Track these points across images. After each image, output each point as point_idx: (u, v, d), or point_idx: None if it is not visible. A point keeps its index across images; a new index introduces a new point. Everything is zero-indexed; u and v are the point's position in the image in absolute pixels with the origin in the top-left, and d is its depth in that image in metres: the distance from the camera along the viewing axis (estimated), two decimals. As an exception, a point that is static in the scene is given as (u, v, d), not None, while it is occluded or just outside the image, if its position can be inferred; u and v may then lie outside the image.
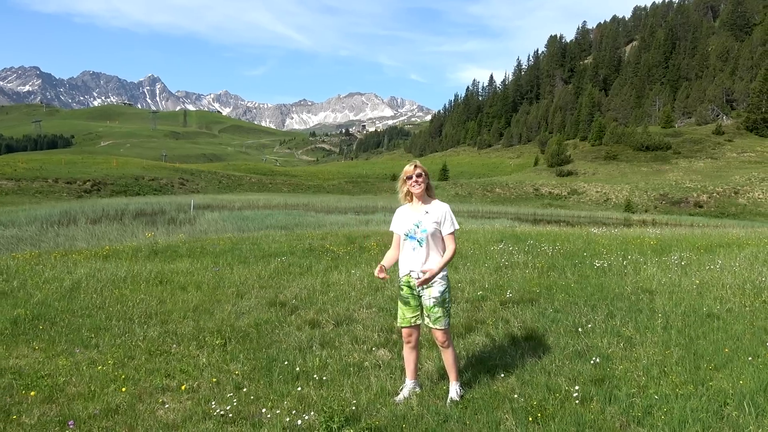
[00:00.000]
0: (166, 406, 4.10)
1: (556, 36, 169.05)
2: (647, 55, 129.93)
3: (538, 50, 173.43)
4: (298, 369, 4.79)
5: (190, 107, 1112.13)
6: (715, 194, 68.01)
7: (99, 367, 4.80)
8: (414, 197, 4.36)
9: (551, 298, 7.14)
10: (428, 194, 4.39)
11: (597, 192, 75.73)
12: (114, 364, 4.90)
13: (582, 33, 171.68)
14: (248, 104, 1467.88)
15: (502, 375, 4.61)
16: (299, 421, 3.75)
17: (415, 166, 4.31)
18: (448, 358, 4.35)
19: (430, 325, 4.31)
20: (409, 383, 4.42)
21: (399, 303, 4.41)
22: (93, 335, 5.80)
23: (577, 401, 4.04)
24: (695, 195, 68.49)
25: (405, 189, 4.37)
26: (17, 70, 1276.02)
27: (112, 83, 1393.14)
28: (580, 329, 5.77)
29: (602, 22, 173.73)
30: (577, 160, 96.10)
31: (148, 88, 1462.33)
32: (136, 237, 20.77)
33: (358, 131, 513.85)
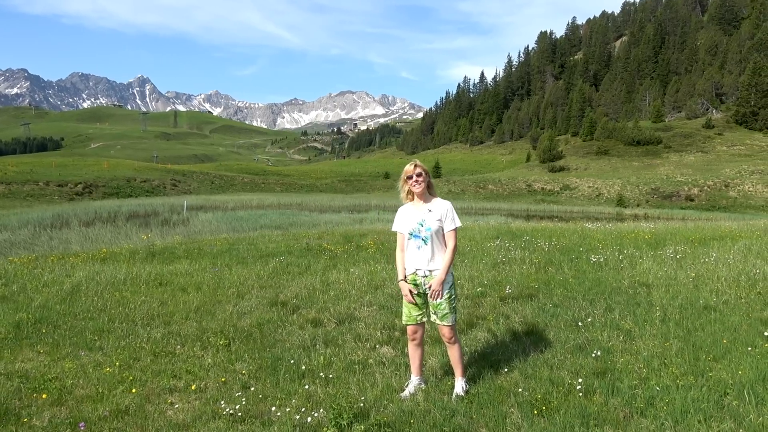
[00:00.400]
0: (176, 406, 4.14)
1: (546, 32, 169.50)
2: (637, 50, 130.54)
3: (528, 46, 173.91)
4: (303, 367, 4.84)
5: (181, 108, 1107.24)
6: (705, 187, 68.52)
7: (106, 369, 4.83)
8: (415, 196, 4.41)
9: (550, 294, 7.22)
10: (429, 192, 4.44)
11: (589, 187, 76.11)
12: (120, 366, 4.93)
13: (572, 28, 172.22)
14: (239, 104, 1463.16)
15: (506, 370, 4.68)
16: (309, 419, 3.80)
17: (415, 166, 4.35)
18: (454, 354, 4.40)
19: (438, 321, 4.37)
20: (414, 380, 4.47)
21: (404, 301, 4.45)
22: (97, 338, 5.82)
23: (580, 394, 4.11)
24: (686, 189, 68.98)
25: (406, 188, 4.41)
26: (5, 72, 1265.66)
27: (102, 84, 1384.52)
28: (579, 323, 5.85)
29: (592, 18, 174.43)
30: (569, 156, 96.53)
31: (137, 89, 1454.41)
32: (130, 239, 20.71)
33: (350, 130, 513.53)
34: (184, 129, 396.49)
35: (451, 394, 4.29)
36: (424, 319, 4.43)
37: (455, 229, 4.34)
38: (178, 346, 5.56)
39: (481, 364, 4.87)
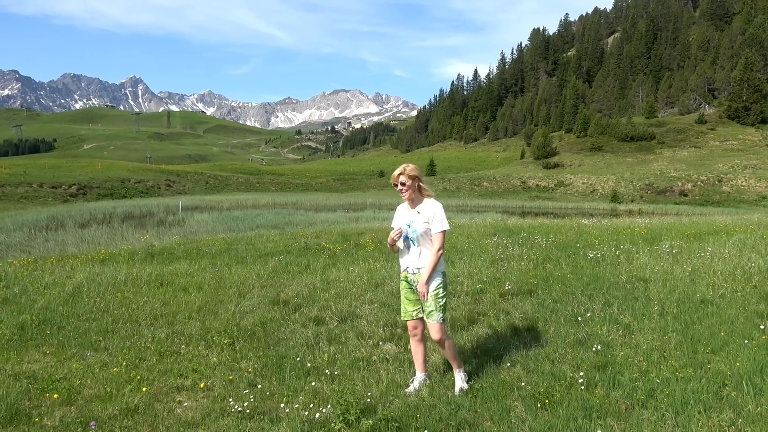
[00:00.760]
0: (185, 404, 4.20)
1: (539, 29, 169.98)
2: (629, 46, 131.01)
3: (521, 43, 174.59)
4: (309, 365, 4.90)
5: (174, 108, 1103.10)
6: (699, 183, 68.87)
7: (113, 369, 4.88)
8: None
9: (549, 289, 7.29)
10: (421, 194, 4.46)
11: (583, 183, 76.37)
12: (127, 366, 4.98)
13: (564, 25, 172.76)
14: (232, 104, 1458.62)
15: (508, 364, 4.75)
16: (317, 415, 3.86)
17: (400, 174, 4.35)
18: (446, 351, 4.46)
19: (425, 318, 4.43)
20: (419, 375, 4.54)
21: (401, 297, 4.55)
22: (101, 338, 5.86)
23: (582, 387, 4.19)
24: (680, 184, 69.31)
25: None
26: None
27: (94, 85, 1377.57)
28: (579, 318, 5.93)
29: (584, 14, 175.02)
30: (563, 152, 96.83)
31: (130, 89, 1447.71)
32: (126, 240, 20.70)
33: (344, 128, 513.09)
34: (178, 129, 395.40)
35: (455, 389, 4.36)
36: (421, 315, 4.49)
37: (443, 232, 4.34)
38: (183, 346, 5.61)
39: (484, 359, 4.94)
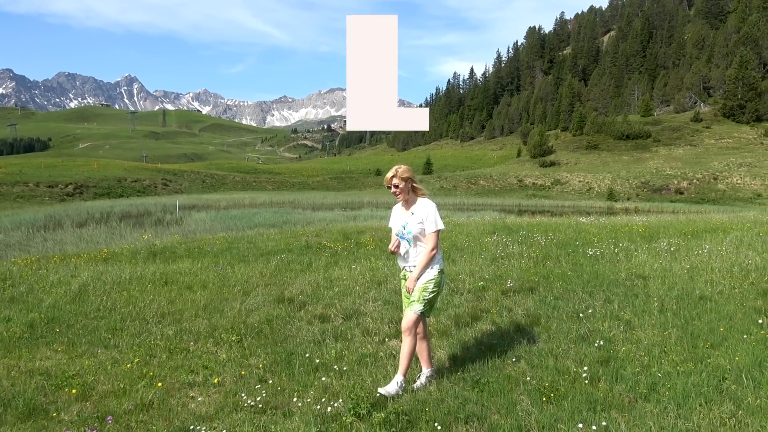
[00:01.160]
0: (198, 399, 4.28)
1: (534, 27, 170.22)
2: (625, 44, 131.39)
3: (517, 42, 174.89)
4: (317, 361, 5.00)
5: (169, 107, 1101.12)
6: (695, 181, 69.22)
7: (126, 366, 4.97)
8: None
9: (550, 287, 7.40)
10: (416, 193, 4.50)
11: (580, 181, 76.65)
12: (138, 362, 5.06)
13: (560, 24, 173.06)
14: (228, 102, 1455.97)
15: (513, 359, 4.86)
16: (328, 409, 3.96)
17: (392, 176, 4.39)
18: (404, 346, 4.37)
19: (406, 306, 4.48)
20: (426, 371, 4.63)
21: (402, 295, 4.65)
22: (111, 336, 5.94)
23: (586, 381, 4.30)
24: (676, 182, 69.64)
25: None
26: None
27: (89, 84, 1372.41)
28: (581, 315, 6.04)
29: (580, 13, 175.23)
30: (559, 151, 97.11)
31: (125, 88, 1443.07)
32: (125, 239, 20.76)
33: (340, 127, 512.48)
34: (173, 128, 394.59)
35: (381, 390, 4.24)
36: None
37: (436, 232, 4.37)
38: (192, 343, 5.70)
39: (489, 354, 5.04)
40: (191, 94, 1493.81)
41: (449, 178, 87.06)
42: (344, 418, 3.81)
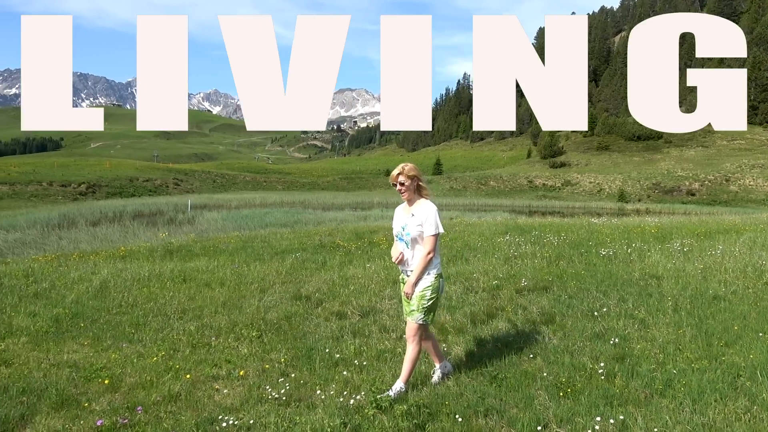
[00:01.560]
0: (224, 392, 4.41)
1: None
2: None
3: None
4: (337, 356, 5.11)
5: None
6: (706, 182, 68.80)
7: (151, 359, 5.10)
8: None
9: (563, 286, 7.47)
10: (420, 194, 4.42)
11: (590, 183, 76.40)
12: (163, 356, 5.20)
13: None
14: (238, 102, 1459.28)
15: (529, 356, 4.95)
16: (351, 401, 4.07)
17: (399, 173, 4.33)
18: (407, 353, 4.38)
19: (406, 316, 4.47)
20: (440, 366, 4.72)
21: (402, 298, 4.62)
22: (134, 330, 6.09)
23: (602, 377, 4.38)
24: (687, 183, 69.27)
25: None
26: (3, 72, 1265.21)
27: (100, 84, 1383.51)
28: (595, 313, 6.12)
29: (591, 13, 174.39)
30: (570, 152, 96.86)
31: (136, 88, 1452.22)
32: (138, 237, 21.00)
33: (350, 127, 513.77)
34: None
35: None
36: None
37: (434, 235, 4.28)
38: (213, 338, 5.83)
39: (505, 351, 5.13)
40: (202, 94, 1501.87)
41: (459, 179, 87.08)
42: (366, 411, 3.92)
